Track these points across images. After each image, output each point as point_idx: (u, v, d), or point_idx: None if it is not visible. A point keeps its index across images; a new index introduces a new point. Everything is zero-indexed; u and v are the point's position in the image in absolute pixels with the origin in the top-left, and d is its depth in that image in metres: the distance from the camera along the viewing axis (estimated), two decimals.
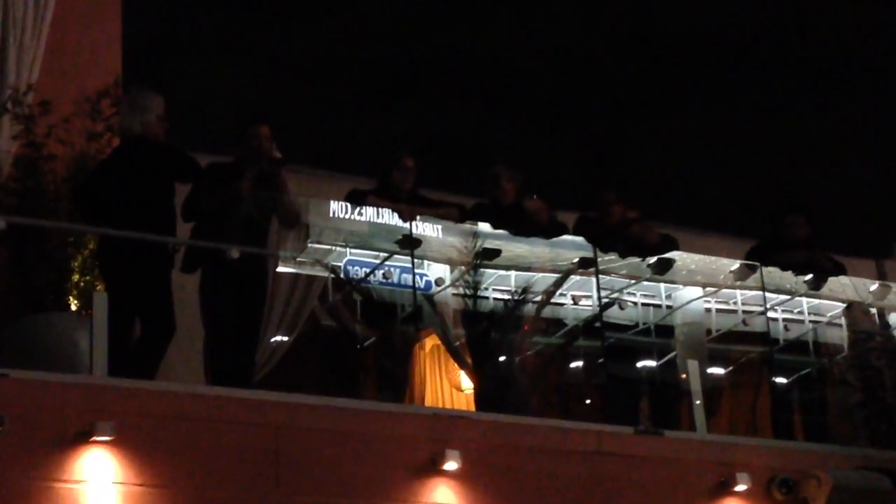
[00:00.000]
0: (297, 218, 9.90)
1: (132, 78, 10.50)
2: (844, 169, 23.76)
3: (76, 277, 9.46)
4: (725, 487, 9.92)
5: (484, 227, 10.51)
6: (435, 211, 10.52)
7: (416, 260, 10.19)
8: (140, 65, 11.40)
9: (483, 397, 9.99)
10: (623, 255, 10.85)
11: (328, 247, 10.14)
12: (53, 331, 9.08)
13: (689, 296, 11.18)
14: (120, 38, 10.85)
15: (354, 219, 10.14)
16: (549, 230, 10.77)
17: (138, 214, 9.08)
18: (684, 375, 10.57)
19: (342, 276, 10.16)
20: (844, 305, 11.44)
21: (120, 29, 10.88)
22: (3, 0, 10.15)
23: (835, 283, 11.49)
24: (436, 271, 10.46)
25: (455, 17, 25.76)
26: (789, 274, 11.35)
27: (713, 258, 11.28)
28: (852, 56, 24.77)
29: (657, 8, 25.60)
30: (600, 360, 10.73)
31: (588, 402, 10.89)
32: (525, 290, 10.33)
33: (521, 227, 10.59)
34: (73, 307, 9.42)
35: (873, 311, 11.56)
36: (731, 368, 11.36)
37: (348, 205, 10.20)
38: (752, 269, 11.10)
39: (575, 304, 10.69)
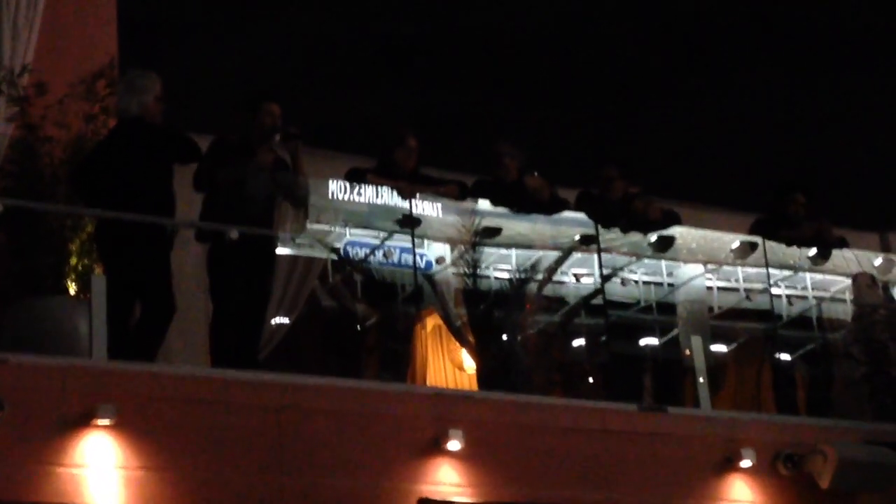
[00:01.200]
0: (305, 198, 9.82)
1: (128, 58, 10.44)
2: (847, 141, 23.67)
3: (74, 260, 9.39)
4: (730, 463, 9.90)
5: (484, 204, 10.46)
6: (435, 189, 10.46)
7: (416, 239, 10.13)
8: (136, 45, 11.31)
9: (485, 376, 9.94)
10: (625, 231, 10.81)
11: (327, 227, 10.09)
12: (52, 314, 9.01)
13: (690, 273, 11.13)
14: (115, 17, 10.79)
15: (354, 199, 10.08)
16: (549, 207, 10.72)
17: (136, 196, 9.03)
18: (687, 352, 10.53)
19: (342, 256, 10.11)
20: (852, 277, 11.40)
21: (115, 9, 10.82)
22: None
23: (839, 257, 11.45)
24: (436, 250, 10.41)
25: None
26: (792, 250, 11.32)
27: (715, 234, 11.24)
28: (854, 28, 24.67)
29: None
30: (603, 338, 10.70)
31: (591, 380, 10.85)
32: (527, 269, 10.27)
33: (522, 203, 10.55)
34: (72, 290, 9.36)
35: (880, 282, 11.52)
36: (734, 345, 11.32)
37: (347, 185, 10.13)
38: (753, 247, 11.07)
39: (577, 281, 10.65)
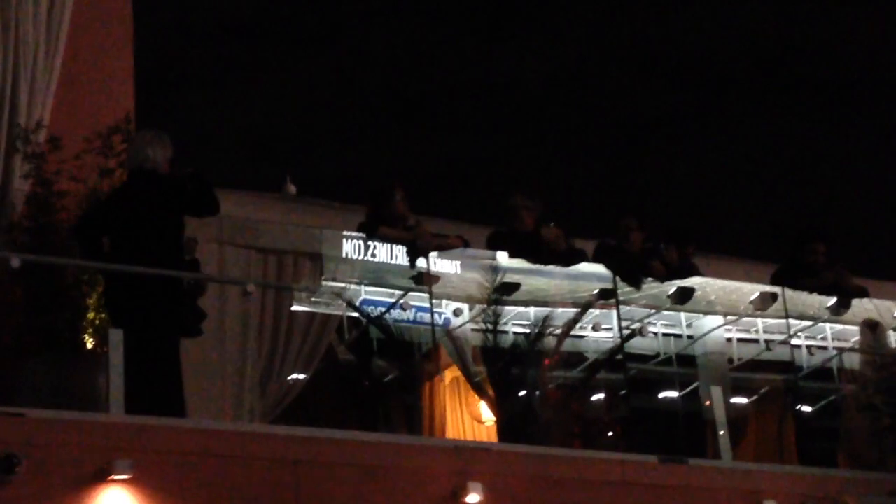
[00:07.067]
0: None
1: (144, 113, 10.49)
2: (867, 190, 23.68)
3: (91, 315, 9.37)
4: None
5: (503, 259, 10.44)
6: (438, 241, 10.46)
7: (434, 299, 10.13)
8: (152, 99, 11.36)
9: (505, 429, 9.90)
10: (638, 285, 10.80)
11: (343, 285, 10.09)
12: (69, 369, 9.00)
13: (710, 325, 11.09)
14: (132, 73, 10.83)
15: (368, 260, 10.11)
16: (567, 257, 10.71)
17: (151, 248, 9.01)
18: (707, 403, 10.47)
19: (360, 312, 10.11)
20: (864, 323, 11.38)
21: (132, 64, 10.86)
22: (13, 37, 10.12)
23: (859, 306, 11.41)
24: (454, 302, 10.40)
25: (464, 43, 25.80)
26: (812, 300, 11.28)
27: (734, 284, 11.21)
28: (875, 76, 24.72)
29: (672, 30, 25.63)
30: (622, 392, 10.65)
31: (610, 434, 10.79)
32: (545, 324, 10.23)
33: (539, 254, 10.53)
34: (89, 345, 9.34)
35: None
36: (755, 397, 11.25)
37: (362, 245, 10.14)
38: (774, 297, 11.03)
39: (595, 330, 10.62)
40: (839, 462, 11.13)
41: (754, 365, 11.28)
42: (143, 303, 8.91)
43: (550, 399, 10.25)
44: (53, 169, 9.74)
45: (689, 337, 11.15)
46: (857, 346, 11.49)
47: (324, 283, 10.10)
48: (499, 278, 10.13)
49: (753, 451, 11.19)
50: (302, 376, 10.27)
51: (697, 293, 10.91)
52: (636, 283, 10.75)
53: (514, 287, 10.24)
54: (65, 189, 9.70)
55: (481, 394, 10.21)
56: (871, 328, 11.36)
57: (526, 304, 10.43)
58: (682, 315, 11.09)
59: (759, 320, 11.28)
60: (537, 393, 10.09)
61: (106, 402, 8.45)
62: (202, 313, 9.21)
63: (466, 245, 10.60)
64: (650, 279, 10.82)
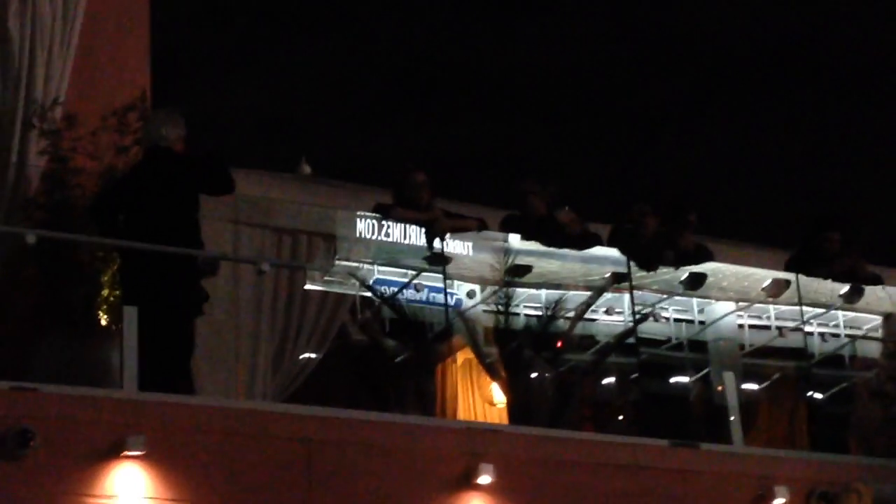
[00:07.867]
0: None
1: (160, 91, 10.50)
2: (883, 177, 23.59)
3: (106, 292, 9.40)
4: (763, 501, 9.83)
5: (516, 242, 10.44)
6: (454, 223, 10.46)
7: (446, 280, 10.13)
8: (167, 78, 11.36)
9: (516, 411, 9.91)
10: (653, 269, 10.79)
11: (356, 264, 10.10)
12: (84, 345, 9.03)
13: (722, 310, 11.08)
14: (148, 51, 10.83)
15: (381, 239, 10.12)
16: (581, 241, 10.70)
17: (166, 226, 9.02)
18: (720, 388, 10.47)
19: (373, 292, 10.12)
20: (883, 316, 11.35)
21: (148, 42, 10.87)
22: (30, 14, 10.13)
23: (872, 295, 11.39)
24: (467, 285, 10.40)
25: (481, 26, 25.77)
26: (824, 288, 11.27)
27: (748, 270, 11.19)
28: (891, 61, 24.59)
29: (687, 15, 25.56)
30: (634, 376, 10.66)
31: (621, 417, 10.81)
32: (557, 307, 10.24)
33: (553, 238, 10.53)
34: (104, 322, 9.37)
35: None
36: (767, 383, 11.25)
37: (375, 223, 10.15)
38: (786, 284, 11.02)
39: (607, 313, 10.61)
40: (850, 449, 11.12)
41: (766, 351, 11.26)
42: (157, 280, 8.94)
43: (562, 381, 10.26)
44: (69, 146, 9.78)
45: (701, 322, 11.13)
46: (869, 335, 11.49)
47: (337, 262, 10.11)
48: (511, 260, 10.13)
49: (765, 436, 11.19)
50: (314, 355, 10.30)
51: (710, 279, 10.90)
52: (650, 268, 10.75)
53: (526, 269, 10.24)
54: (80, 166, 9.74)
55: (493, 375, 10.22)
56: (886, 318, 11.35)
57: (539, 286, 10.42)
58: (695, 300, 11.07)
59: (771, 307, 11.25)
60: (549, 375, 10.09)
61: (119, 379, 8.47)
62: (205, 294, 9.22)
63: (483, 227, 10.61)
64: (663, 264, 10.80)
